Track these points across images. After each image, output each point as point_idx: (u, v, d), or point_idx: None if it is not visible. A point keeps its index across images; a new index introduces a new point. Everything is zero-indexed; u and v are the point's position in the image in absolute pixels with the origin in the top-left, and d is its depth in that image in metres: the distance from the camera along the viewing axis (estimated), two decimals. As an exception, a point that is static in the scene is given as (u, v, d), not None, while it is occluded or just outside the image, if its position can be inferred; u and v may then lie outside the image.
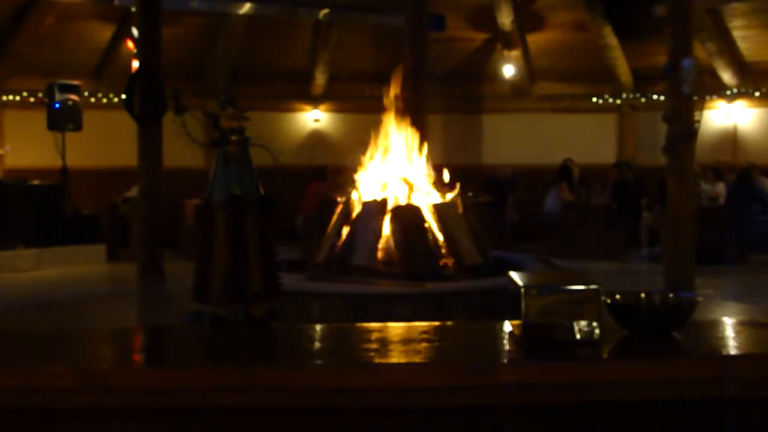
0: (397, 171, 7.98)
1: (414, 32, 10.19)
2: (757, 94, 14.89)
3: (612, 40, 15.12)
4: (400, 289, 6.68)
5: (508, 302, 1.86)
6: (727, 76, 14.93)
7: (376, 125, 8.13)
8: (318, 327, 2.08)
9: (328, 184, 12.88)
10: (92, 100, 13.98)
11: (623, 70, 15.58)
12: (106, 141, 13.82)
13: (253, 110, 1.89)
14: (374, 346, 1.80)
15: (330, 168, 13.05)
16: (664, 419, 1.68)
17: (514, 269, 2.24)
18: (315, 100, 15.96)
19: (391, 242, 7.37)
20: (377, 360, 1.68)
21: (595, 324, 1.75)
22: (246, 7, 14.15)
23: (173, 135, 1.88)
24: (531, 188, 14.62)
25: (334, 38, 15.37)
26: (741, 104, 15.14)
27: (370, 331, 1.96)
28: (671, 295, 1.97)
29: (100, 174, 13.95)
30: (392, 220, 7.40)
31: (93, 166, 13.82)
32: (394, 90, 8.05)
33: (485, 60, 15.96)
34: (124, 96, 9.77)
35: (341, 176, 9.10)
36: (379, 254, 7.32)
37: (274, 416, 1.64)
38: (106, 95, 14.27)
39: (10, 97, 13.66)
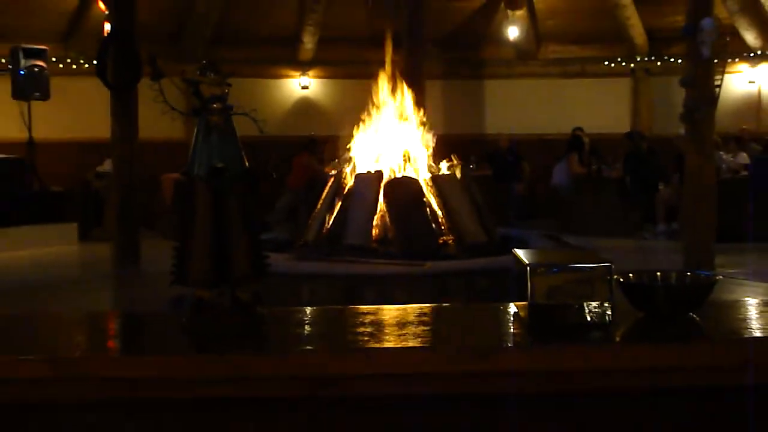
0: (392, 141, 7.98)
1: (410, -10, 10.15)
2: (783, 56, 14.89)
3: (625, -2, 15.08)
4: (396, 269, 6.70)
5: (513, 282, 1.87)
6: (750, 37, 14.90)
7: (369, 92, 8.11)
8: (308, 310, 2.08)
9: (317, 157, 12.89)
10: (60, 66, 13.89)
11: (637, 31, 15.53)
12: (76, 111, 13.77)
13: (236, 76, 1.89)
14: (368, 329, 1.80)
15: (320, 139, 13.04)
16: (681, 408, 1.69)
17: (520, 247, 2.24)
18: (303, 66, 15.89)
19: (387, 218, 7.38)
20: (371, 344, 1.69)
21: (606, 305, 1.75)
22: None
23: (149, 103, 1.87)
24: (538, 160, 14.63)
25: (324, -3, 15.29)
26: (766, 67, 15.11)
27: (363, 313, 1.97)
28: (689, 274, 1.98)
29: (70, 147, 13.90)
30: (387, 194, 7.40)
31: (62, 138, 13.76)
32: (388, 54, 8.04)
33: (488, 21, 15.89)
34: (95, 61, 9.73)
35: (332, 148, 9.08)
36: (374, 232, 7.34)
37: (261, 406, 1.65)
38: (75, 61, 14.20)
39: (-30, 64, 13.56)
